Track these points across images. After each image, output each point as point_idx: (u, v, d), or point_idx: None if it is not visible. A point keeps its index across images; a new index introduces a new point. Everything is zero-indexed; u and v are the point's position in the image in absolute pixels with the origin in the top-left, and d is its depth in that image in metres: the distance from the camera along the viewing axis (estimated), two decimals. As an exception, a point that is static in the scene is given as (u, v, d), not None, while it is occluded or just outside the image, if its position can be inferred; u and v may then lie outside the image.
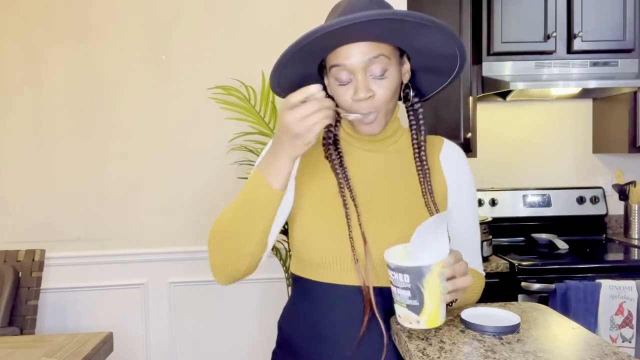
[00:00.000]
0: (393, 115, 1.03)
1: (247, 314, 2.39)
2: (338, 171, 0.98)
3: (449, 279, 0.82)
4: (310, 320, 0.98)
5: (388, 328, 0.94)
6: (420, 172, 1.00)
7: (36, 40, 2.33)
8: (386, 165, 1.02)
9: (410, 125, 1.03)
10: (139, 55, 2.36)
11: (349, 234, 0.93)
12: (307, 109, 0.78)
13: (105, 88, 2.36)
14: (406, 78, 1.01)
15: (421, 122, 1.01)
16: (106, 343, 1.34)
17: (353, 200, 0.96)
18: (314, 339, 0.97)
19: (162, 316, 2.40)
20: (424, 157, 1.00)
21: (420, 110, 1.01)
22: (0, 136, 2.34)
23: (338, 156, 1.00)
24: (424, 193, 0.98)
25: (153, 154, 2.39)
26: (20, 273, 2.08)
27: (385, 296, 0.93)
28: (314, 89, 0.79)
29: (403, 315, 0.82)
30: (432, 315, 0.80)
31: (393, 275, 0.81)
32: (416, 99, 1.02)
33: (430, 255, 0.80)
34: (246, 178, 2.16)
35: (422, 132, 1.01)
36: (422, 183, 0.99)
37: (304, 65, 0.96)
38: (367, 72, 0.91)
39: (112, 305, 2.38)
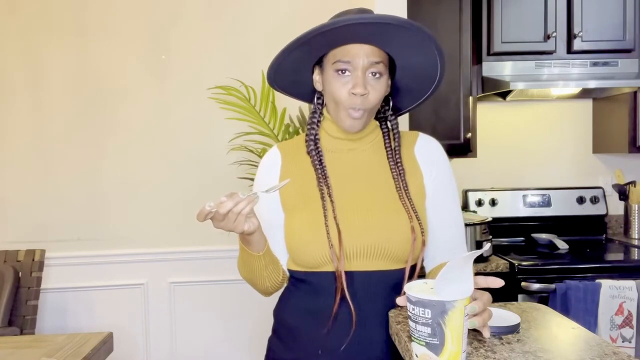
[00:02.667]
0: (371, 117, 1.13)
1: (247, 314, 2.39)
2: (317, 167, 1.08)
3: (475, 314, 0.80)
4: (298, 303, 1.09)
5: (358, 308, 1.02)
6: (394, 173, 1.09)
7: (36, 40, 2.33)
8: (363, 163, 1.11)
9: (383, 133, 1.14)
10: (139, 56, 2.36)
11: (326, 226, 1.02)
12: (218, 223, 0.92)
13: (105, 88, 2.36)
14: (386, 91, 1.10)
15: (395, 131, 1.12)
16: (106, 343, 1.33)
17: (330, 196, 1.05)
18: (302, 318, 1.08)
19: (162, 316, 2.40)
20: (398, 160, 1.10)
21: (395, 122, 1.13)
22: (1, 136, 2.34)
23: (318, 154, 1.09)
24: (399, 190, 1.07)
25: (153, 154, 2.39)
26: (20, 273, 2.08)
27: (355, 279, 1.03)
28: (207, 208, 0.89)
29: (420, 354, 0.76)
30: (453, 356, 0.74)
31: (413, 309, 0.76)
32: (390, 112, 1.14)
33: (455, 291, 0.74)
34: (246, 178, 2.17)
35: (396, 139, 1.12)
36: (396, 182, 1.08)
37: (298, 61, 1.07)
38: (366, 73, 1.02)
39: (112, 305, 2.38)
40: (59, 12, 2.33)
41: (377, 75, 1.03)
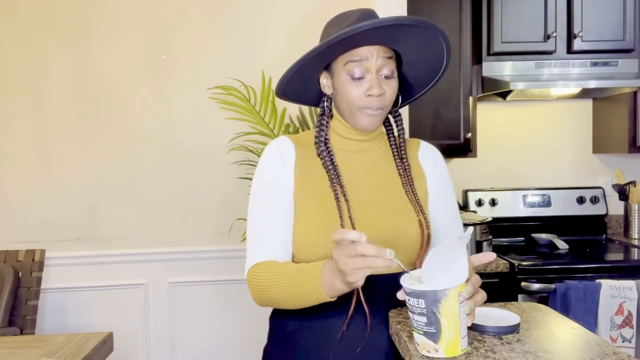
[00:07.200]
0: None
1: (248, 313, 2.39)
2: (330, 168, 1.07)
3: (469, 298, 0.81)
4: (306, 309, 1.00)
5: (372, 310, 1.00)
6: (400, 169, 1.11)
7: (38, 41, 2.33)
8: (371, 163, 1.12)
9: (387, 130, 1.16)
10: (140, 56, 2.36)
11: (341, 227, 1.00)
12: (362, 263, 0.81)
13: (106, 89, 2.36)
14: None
15: (400, 126, 1.14)
16: (106, 343, 1.34)
17: (344, 195, 1.04)
18: (306, 326, 1.04)
19: (162, 316, 2.40)
20: (404, 156, 1.12)
21: (400, 117, 1.14)
22: (1, 137, 2.34)
23: (329, 154, 1.08)
24: (405, 185, 1.09)
25: (153, 154, 2.39)
26: (20, 273, 2.08)
27: (370, 283, 0.97)
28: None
29: (421, 343, 0.79)
30: (452, 343, 0.76)
31: (409, 300, 0.78)
32: (395, 107, 1.14)
33: (446, 280, 0.76)
34: (246, 178, 2.16)
35: (401, 135, 1.13)
36: (402, 178, 1.10)
37: (306, 69, 1.06)
38: (379, 74, 1.03)
39: (112, 305, 2.38)
40: (59, 12, 2.33)
41: (390, 76, 1.04)
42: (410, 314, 0.79)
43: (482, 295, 0.86)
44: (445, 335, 0.76)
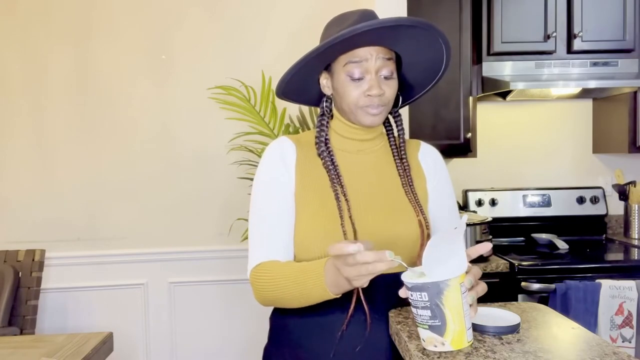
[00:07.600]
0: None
1: (248, 313, 2.39)
2: (330, 168, 1.07)
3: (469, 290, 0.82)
4: (306, 308, 1.01)
5: (372, 310, 1.01)
6: (400, 169, 1.12)
7: (38, 41, 2.33)
8: (371, 163, 1.13)
9: (387, 130, 1.17)
10: (140, 55, 2.36)
11: (342, 226, 1.01)
12: (365, 270, 0.81)
13: (106, 89, 2.36)
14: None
15: (399, 127, 1.14)
16: (106, 343, 1.34)
17: (344, 195, 1.04)
18: (306, 325, 1.04)
19: (162, 316, 2.40)
20: (404, 156, 1.12)
21: (400, 117, 1.15)
22: (1, 137, 2.34)
23: (329, 155, 1.09)
24: (405, 186, 1.10)
25: (153, 154, 2.39)
26: (20, 273, 2.08)
27: (370, 282, 0.96)
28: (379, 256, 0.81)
29: (426, 338, 0.79)
30: (458, 335, 0.76)
31: (411, 295, 0.78)
32: (395, 108, 1.15)
33: (447, 270, 0.76)
34: (246, 178, 2.16)
35: (401, 136, 1.13)
36: (402, 178, 1.11)
37: (305, 70, 1.06)
38: (378, 74, 1.03)
39: (112, 305, 2.38)
40: (59, 12, 2.33)
41: (389, 76, 1.04)
42: (414, 310, 0.79)
43: (483, 286, 0.86)
44: (451, 328, 0.76)
